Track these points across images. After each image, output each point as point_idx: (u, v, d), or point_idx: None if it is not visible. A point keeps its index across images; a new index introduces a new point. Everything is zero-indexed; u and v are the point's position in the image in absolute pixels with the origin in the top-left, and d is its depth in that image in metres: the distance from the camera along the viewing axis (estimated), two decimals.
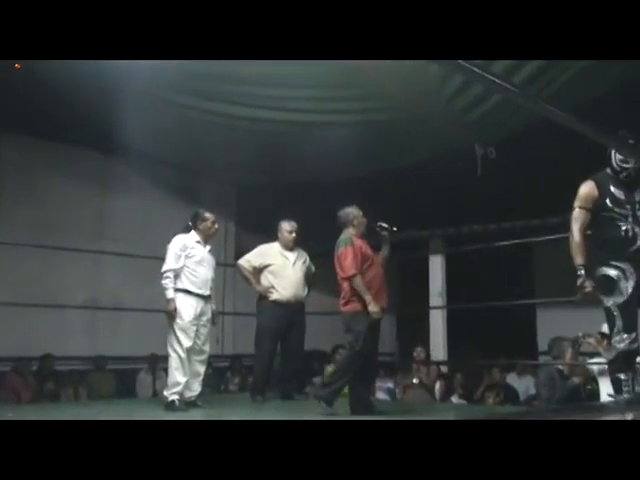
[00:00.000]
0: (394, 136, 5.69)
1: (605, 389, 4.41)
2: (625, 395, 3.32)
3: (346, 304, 4.13)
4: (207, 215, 4.68)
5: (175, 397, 4.34)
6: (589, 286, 3.36)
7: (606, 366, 4.34)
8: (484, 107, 5.02)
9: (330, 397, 4.01)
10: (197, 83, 5.16)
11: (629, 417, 2.63)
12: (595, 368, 4.69)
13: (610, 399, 3.80)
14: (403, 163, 6.11)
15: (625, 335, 3.33)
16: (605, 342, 4.41)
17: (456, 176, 5.87)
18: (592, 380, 4.75)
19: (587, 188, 3.52)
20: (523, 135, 5.24)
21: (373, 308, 4.02)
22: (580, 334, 5.02)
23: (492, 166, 5.39)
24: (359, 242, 4.23)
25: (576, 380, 4.93)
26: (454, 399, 6.02)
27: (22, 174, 6.57)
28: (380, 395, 5.98)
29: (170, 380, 4.38)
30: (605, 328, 4.43)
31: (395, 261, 5.41)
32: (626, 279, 3.37)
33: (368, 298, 4.02)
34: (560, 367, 5.11)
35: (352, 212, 4.34)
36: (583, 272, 3.38)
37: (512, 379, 6.36)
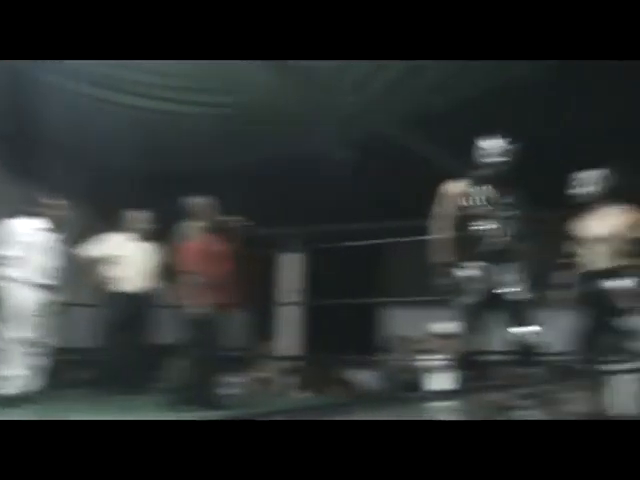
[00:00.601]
0: (254, 130, 5.69)
1: (434, 383, 4.78)
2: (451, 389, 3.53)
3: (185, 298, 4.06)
4: (52, 202, 4.44)
5: (6, 391, 4.07)
6: (454, 282, 3.34)
7: (434, 362, 4.69)
8: (348, 109, 5.13)
9: (196, 397, 3.94)
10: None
11: (446, 406, 2.87)
12: (424, 364, 5.06)
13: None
14: (263, 158, 6.12)
15: (471, 336, 3.37)
16: (441, 341, 4.75)
17: (317, 176, 5.99)
18: (421, 375, 5.11)
19: (448, 188, 3.51)
20: (385, 138, 5.38)
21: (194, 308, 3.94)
22: (414, 333, 5.41)
23: (351, 168, 5.54)
24: (202, 236, 4.09)
25: (406, 375, 5.30)
26: (300, 393, 6.17)
27: None
28: (226, 390, 5.97)
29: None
30: (439, 328, 4.81)
31: (250, 257, 5.44)
32: (475, 280, 3.36)
33: (193, 297, 3.93)
34: (395, 363, 5.48)
35: (199, 203, 4.18)
36: (446, 269, 3.35)
37: (355, 374, 6.65)
